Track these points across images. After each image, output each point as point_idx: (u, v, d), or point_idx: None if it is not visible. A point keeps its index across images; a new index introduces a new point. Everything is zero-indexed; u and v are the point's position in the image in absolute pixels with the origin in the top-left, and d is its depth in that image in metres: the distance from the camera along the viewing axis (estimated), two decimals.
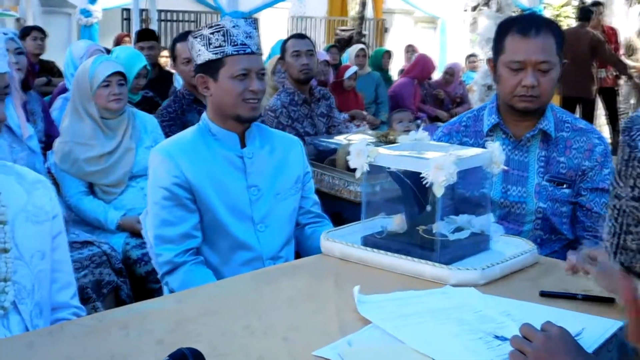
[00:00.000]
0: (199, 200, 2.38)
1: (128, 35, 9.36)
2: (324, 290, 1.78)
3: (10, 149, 3.26)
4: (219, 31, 2.36)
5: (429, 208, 1.96)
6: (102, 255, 3.32)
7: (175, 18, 12.28)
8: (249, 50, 2.38)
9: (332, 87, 7.05)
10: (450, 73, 8.60)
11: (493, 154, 2.04)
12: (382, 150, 2.04)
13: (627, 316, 0.85)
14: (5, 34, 3.92)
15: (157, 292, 2.93)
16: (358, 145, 2.01)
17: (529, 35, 2.36)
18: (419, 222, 2.02)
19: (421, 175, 1.87)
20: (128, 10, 9.32)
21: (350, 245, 2.05)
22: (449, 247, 1.99)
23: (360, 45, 8.40)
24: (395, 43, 14.46)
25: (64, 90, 4.85)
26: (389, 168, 2.01)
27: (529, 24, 2.38)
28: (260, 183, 2.46)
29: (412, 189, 1.97)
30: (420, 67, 8.14)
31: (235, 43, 2.36)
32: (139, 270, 3.46)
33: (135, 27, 8.34)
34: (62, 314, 2.08)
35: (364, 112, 7.14)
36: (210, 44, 2.37)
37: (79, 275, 3.19)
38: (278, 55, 5.33)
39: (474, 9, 16.60)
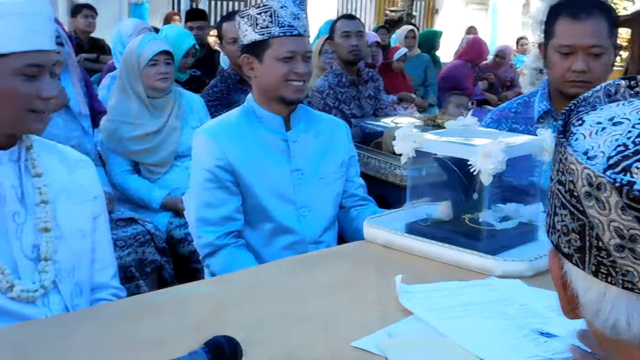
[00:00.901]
0: (241, 183, 2.36)
1: (177, 14, 9.37)
2: (365, 278, 1.74)
3: (65, 127, 3.28)
4: (266, 12, 2.32)
5: (475, 196, 1.90)
6: (146, 234, 3.33)
7: None
8: (295, 32, 2.34)
9: (380, 69, 6.98)
10: (501, 56, 8.45)
11: (544, 141, 1.97)
12: (429, 135, 1.98)
13: (557, 292, 0.90)
14: None
15: (200, 272, 2.93)
16: (404, 130, 1.96)
17: (579, 19, 2.28)
18: (465, 210, 1.97)
19: (468, 163, 1.81)
20: None
21: (394, 233, 2.00)
22: (495, 237, 1.93)
23: (410, 27, 8.29)
24: (445, 24, 14.26)
25: (113, 68, 4.87)
26: (435, 154, 1.96)
27: (579, 6, 2.29)
28: (304, 167, 2.42)
29: (458, 177, 1.92)
30: (474, 50, 7.99)
31: (282, 24, 2.32)
32: (182, 250, 3.47)
33: (185, 5, 8.34)
34: (102, 294, 2.09)
35: (413, 95, 7.05)
36: (257, 24, 2.34)
37: (123, 254, 3.20)
38: (326, 36, 5.28)
39: None
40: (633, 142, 0.75)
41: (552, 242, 0.86)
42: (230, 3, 12.16)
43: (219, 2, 11.94)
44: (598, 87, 0.89)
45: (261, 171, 2.37)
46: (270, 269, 1.87)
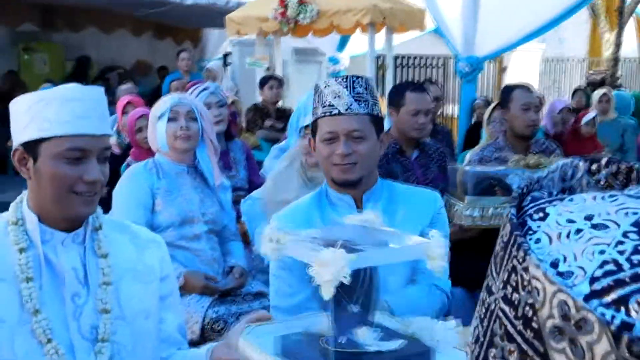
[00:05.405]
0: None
1: None
2: None
3: (201, 203, 3.36)
4: (316, 92, 2.28)
5: (354, 309, 1.59)
6: None
7: (411, 63, 12.25)
8: (335, 111, 2.21)
9: (569, 133, 6.65)
10: None
11: (428, 246, 1.62)
12: (295, 237, 1.68)
13: None
14: (205, 89, 4.11)
15: None
16: (268, 229, 1.67)
17: None
18: (347, 325, 1.63)
19: (309, 271, 1.51)
20: (376, 57, 9.48)
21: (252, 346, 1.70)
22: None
23: (604, 90, 7.83)
24: None
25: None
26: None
27: None
28: None
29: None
30: None
31: (324, 104, 2.23)
32: None
33: (371, 73, 8.47)
34: None
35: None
36: (312, 106, 2.31)
37: None
38: (496, 103, 5.09)
39: None
40: (629, 260, 0.50)
41: None
42: (418, 69, 12.14)
43: (405, 69, 11.99)
44: (554, 166, 0.64)
45: None
46: None
